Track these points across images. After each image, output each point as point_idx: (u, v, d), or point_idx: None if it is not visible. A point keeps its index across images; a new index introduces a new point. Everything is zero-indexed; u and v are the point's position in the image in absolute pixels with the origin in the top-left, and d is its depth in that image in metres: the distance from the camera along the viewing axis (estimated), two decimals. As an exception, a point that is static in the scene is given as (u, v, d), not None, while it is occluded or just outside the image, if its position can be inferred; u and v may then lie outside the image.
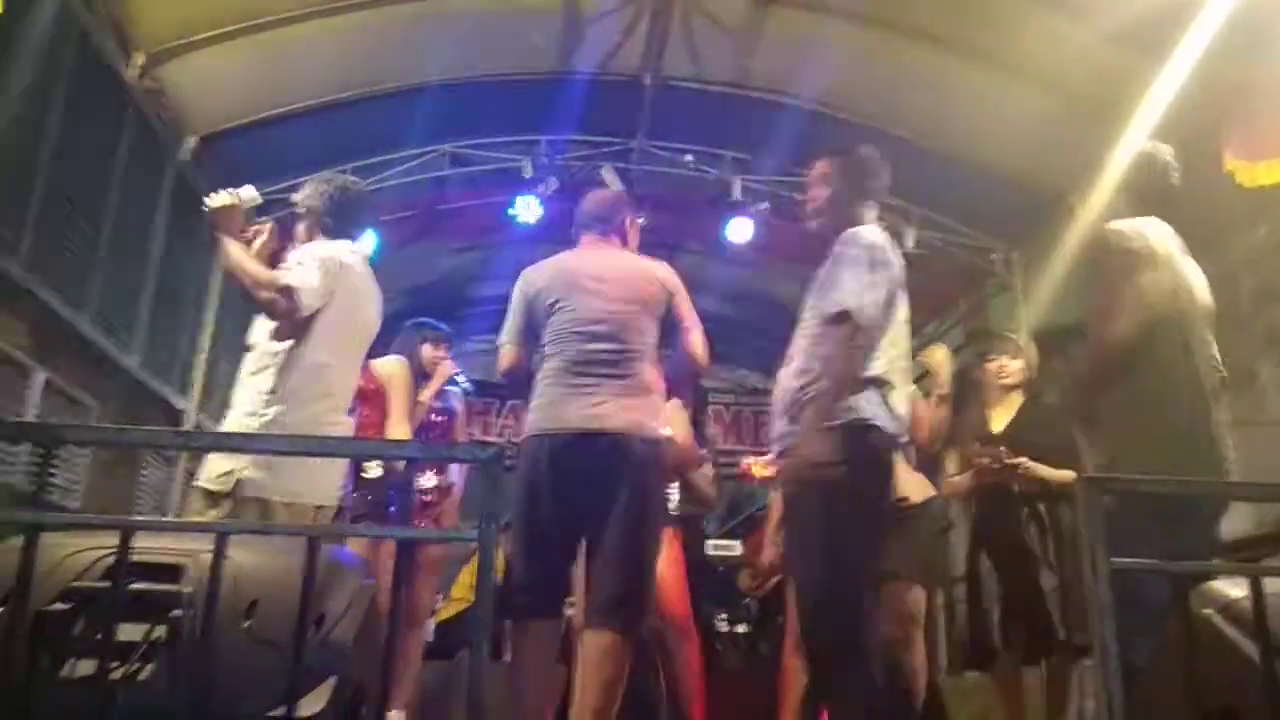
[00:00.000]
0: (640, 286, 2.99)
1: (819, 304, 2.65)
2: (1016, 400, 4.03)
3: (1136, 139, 5.33)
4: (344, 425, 2.89)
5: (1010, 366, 4.04)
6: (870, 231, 2.69)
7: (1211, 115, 5.12)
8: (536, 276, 3.03)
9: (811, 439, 2.52)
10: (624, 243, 3.20)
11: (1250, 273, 5.34)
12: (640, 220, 3.33)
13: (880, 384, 2.58)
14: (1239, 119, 4.98)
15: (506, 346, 2.99)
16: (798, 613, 2.67)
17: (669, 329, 3.01)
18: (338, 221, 3.09)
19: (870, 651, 2.49)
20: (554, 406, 2.81)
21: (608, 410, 2.76)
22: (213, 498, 2.68)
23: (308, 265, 2.85)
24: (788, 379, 2.69)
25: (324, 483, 2.78)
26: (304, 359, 2.80)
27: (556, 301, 2.93)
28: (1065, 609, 3.62)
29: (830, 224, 2.79)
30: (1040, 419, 3.97)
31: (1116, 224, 2.88)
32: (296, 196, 3.24)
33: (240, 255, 2.93)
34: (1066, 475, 3.71)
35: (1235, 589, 1.78)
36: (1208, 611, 1.82)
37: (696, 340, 3.02)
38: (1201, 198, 5.29)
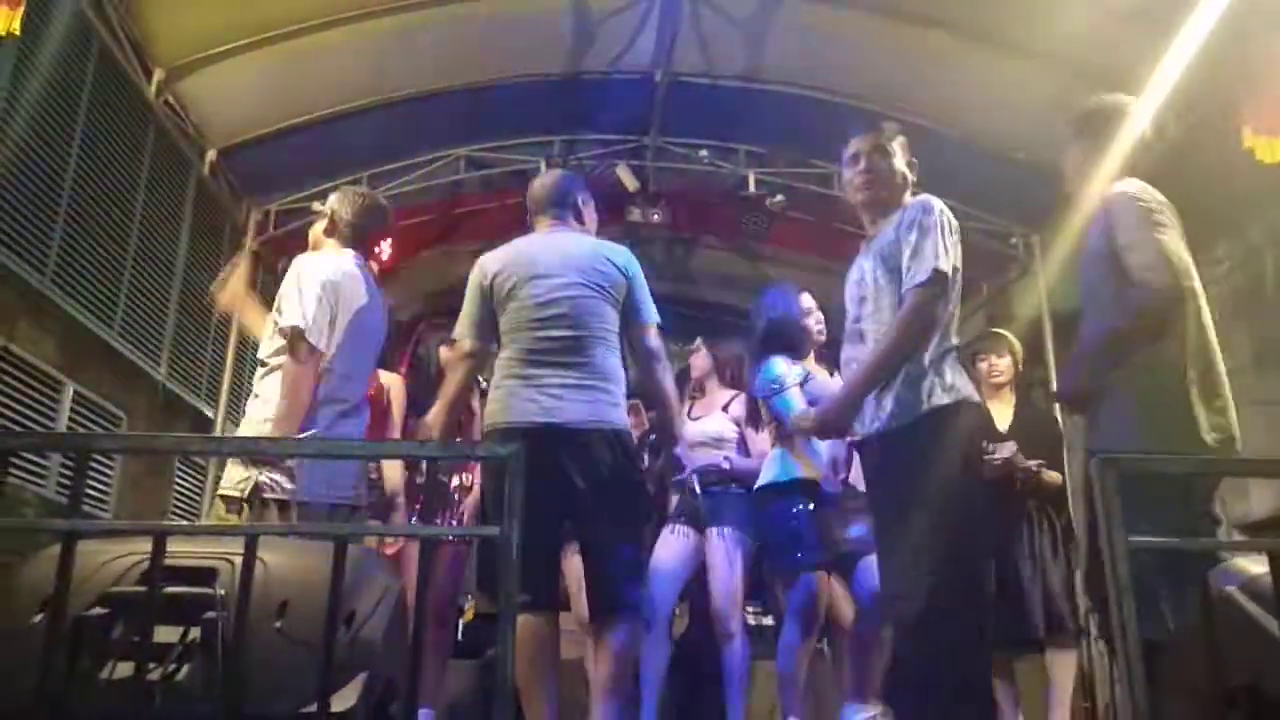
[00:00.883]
0: (598, 270, 2.85)
1: (897, 270, 2.60)
2: (1008, 395, 4.15)
3: (1150, 116, 5.30)
4: (351, 427, 2.93)
5: (999, 365, 4.17)
6: (938, 200, 2.68)
7: (1228, 91, 5.08)
8: (491, 263, 2.91)
9: (850, 412, 2.56)
10: (580, 223, 3.07)
11: (1273, 250, 5.30)
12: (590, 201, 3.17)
13: (959, 352, 2.64)
14: (1256, 94, 4.93)
15: (463, 340, 2.89)
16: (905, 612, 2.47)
17: (627, 317, 2.89)
18: (358, 231, 3.15)
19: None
20: (509, 398, 2.72)
21: (562, 403, 2.68)
22: (234, 503, 2.76)
23: (303, 296, 2.87)
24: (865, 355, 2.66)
25: (339, 481, 2.85)
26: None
27: (512, 288, 2.82)
28: (1049, 602, 3.76)
29: (885, 196, 2.77)
30: (1034, 418, 4.17)
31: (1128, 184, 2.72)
32: (318, 205, 3.31)
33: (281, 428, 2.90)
34: (1056, 477, 3.90)
35: (1256, 565, 1.78)
36: (1229, 589, 1.83)
37: (650, 333, 2.91)
38: (1221, 175, 5.28)
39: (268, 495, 2.74)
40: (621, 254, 2.95)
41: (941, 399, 2.49)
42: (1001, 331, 4.38)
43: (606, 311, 2.82)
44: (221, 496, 2.86)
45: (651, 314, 2.92)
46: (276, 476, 2.75)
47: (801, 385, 3.70)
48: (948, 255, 2.52)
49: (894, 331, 2.53)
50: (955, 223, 2.64)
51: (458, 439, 4.05)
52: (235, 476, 2.79)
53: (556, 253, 2.89)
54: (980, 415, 2.63)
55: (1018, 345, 4.28)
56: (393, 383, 3.95)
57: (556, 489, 2.61)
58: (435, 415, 2.95)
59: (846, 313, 2.86)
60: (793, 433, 3.33)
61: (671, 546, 3.92)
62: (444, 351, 4.15)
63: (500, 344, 2.89)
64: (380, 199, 3.40)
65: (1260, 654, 1.68)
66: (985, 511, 2.60)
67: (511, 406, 2.71)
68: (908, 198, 2.77)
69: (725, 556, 3.91)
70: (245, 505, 2.74)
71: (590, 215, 3.13)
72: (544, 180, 3.20)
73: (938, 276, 2.50)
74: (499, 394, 2.76)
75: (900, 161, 2.82)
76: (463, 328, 2.90)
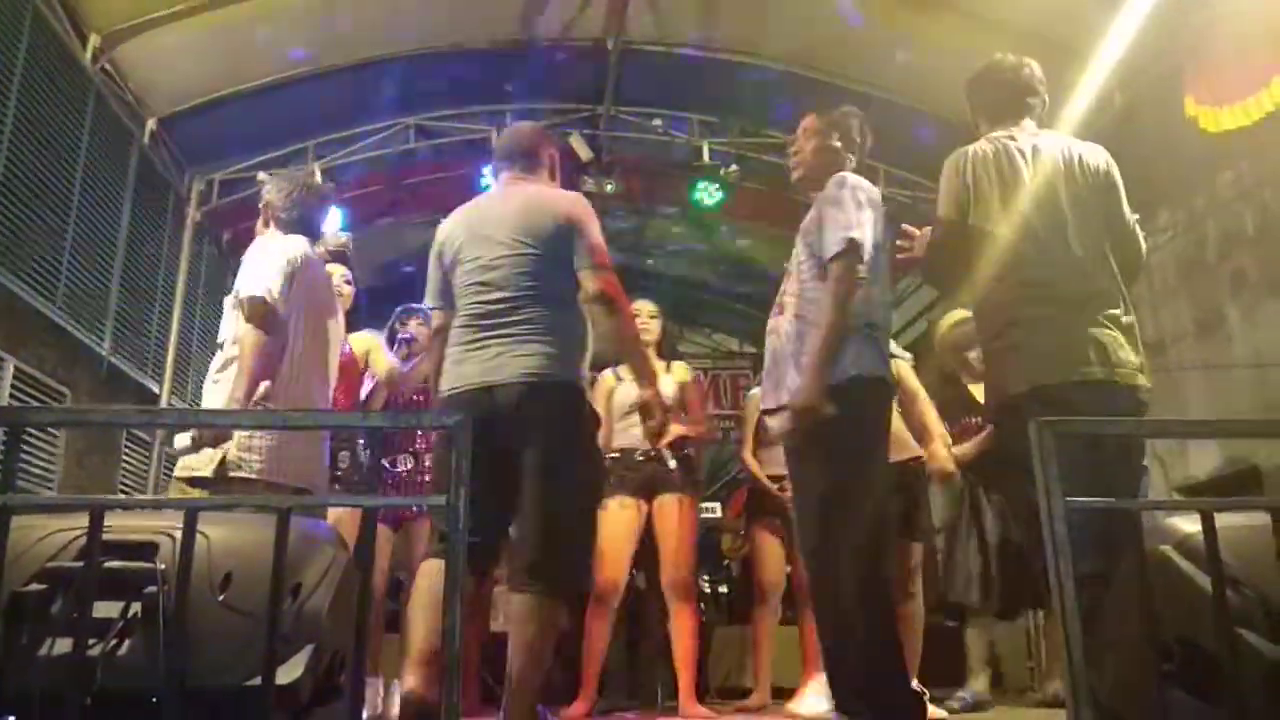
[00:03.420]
0: (537, 224, 2.71)
1: (815, 245, 2.68)
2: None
3: (1098, 85, 5.37)
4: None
5: None
6: (856, 176, 2.76)
7: (1173, 61, 5.15)
8: (444, 227, 2.86)
9: (821, 392, 2.52)
10: (538, 176, 2.92)
11: (1215, 219, 5.41)
12: (555, 153, 3.03)
13: (875, 329, 2.66)
14: (1200, 63, 5.01)
15: (433, 311, 2.84)
16: (815, 576, 2.63)
17: (572, 265, 2.70)
18: (297, 217, 3.10)
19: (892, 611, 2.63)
20: (456, 365, 2.67)
21: (501, 362, 2.59)
22: (200, 483, 2.70)
23: (263, 268, 2.84)
24: (788, 326, 2.71)
25: (304, 467, 2.81)
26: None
27: (459, 252, 2.76)
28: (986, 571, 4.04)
29: (812, 176, 2.87)
30: None
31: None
32: (263, 175, 3.25)
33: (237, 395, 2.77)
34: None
35: (1189, 524, 1.83)
36: (1164, 547, 1.87)
37: (587, 279, 2.69)
38: (1164, 145, 5.37)
39: (233, 474, 2.68)
40: (563, 202, 2.80)
41: (847, 372, 2.56)
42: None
43: (545, 270, 2.68)
44: (182, 479, 2.78)
45: (592, 258, 2.70)
46: (246, 455, 2.70)
47: None
48: (860, 227, 2.60)
49: (828, 308, 2.58)
50: (873, 198, 2.71)
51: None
52: (202, 456, 2.73)
53: (499, 211, 2.79)
54: (884, 391, 2.69)
55: None
56: (372, 345, 3.86)
57: (497, 451, 2.49)
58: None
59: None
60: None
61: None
62: (397, 327, 4.12)
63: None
64: (315, 178, 3.30)
65: (1193, 609, 1.73)
66: (886, 484, 2.68)
67: (454, 373, 2.66)
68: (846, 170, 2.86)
69: (683, 522, 3.96)
70: (213, 484, 2.68)
71: (556, 169, 3.00)
72: (513, 131, 3.10)
73: (851, 244, 2.58)
74: (448, 362, 2.71)
75: (819, 143, 2.89)
76: (429, 298, 2.85)
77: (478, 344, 2.64)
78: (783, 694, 4.42)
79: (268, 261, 2.86)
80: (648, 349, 3.92)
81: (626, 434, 3.99)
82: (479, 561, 2.58)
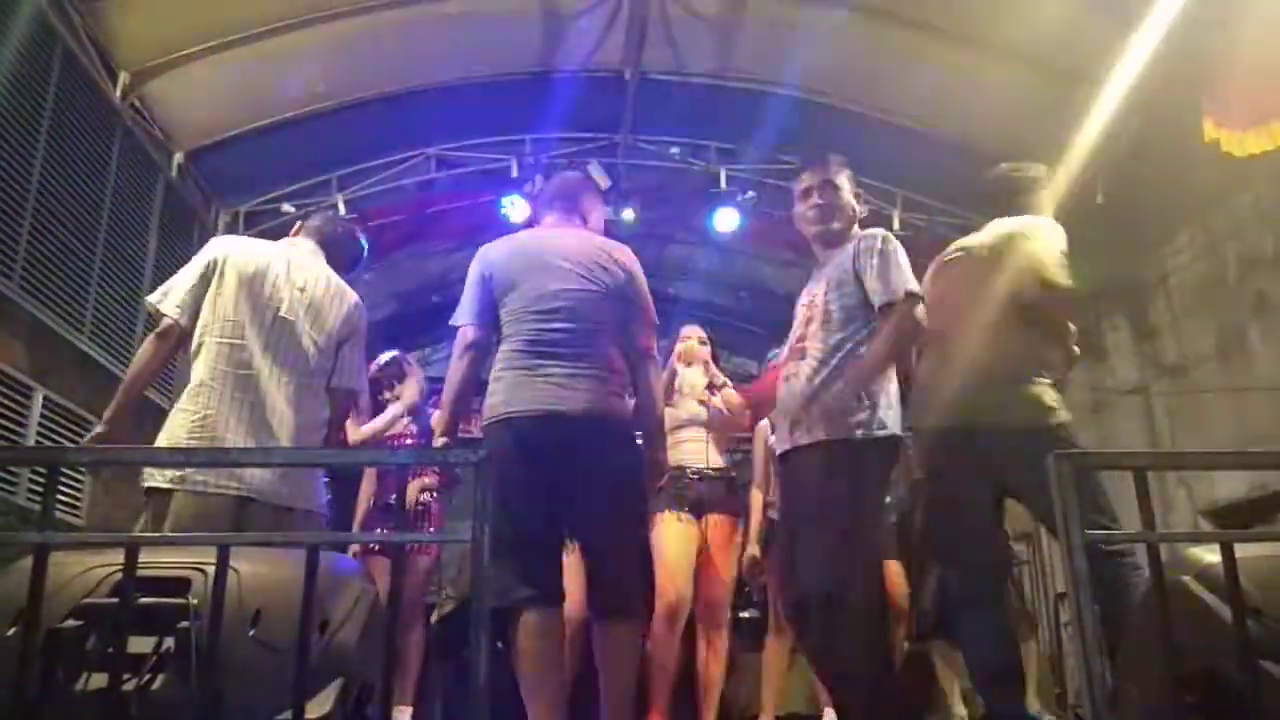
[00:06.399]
0: (599, 266, 2.87)
1: (853, 295, 2.78)
2: None
3: (1113, 109, 5.38)
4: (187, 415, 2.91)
5: None
6: (888, 233, 2.88)
7: (1190, 83, 5.16)
8: (494, 254, 2.91)
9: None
10: (584, 223, 3.10)
11: (1235, 240, 5.40)
12: (607, 210, 3.33)
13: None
14: (1219, 87, 5.01)
15: (466, 327, 2.86)
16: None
17: (625, 314, 2.89)
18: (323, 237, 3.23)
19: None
20: (512, 390, 2.70)
21: (564, 393, 2.67)
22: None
23: (179, 273, 2.91)
24: (812, 373, 2.79)
25: (295, 490, 2.81)
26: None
27: (513, 280, 2.83)
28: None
29: (838, 228, 2.95)
30: None
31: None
32: (287, 206, 3.38)
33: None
34: None
35: (1210, 554, 1.83)
36: (1184, 578, 1.88)
37: (645, 334, 2.93)
38: (1183, 166, 5.37)
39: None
40: (622, 250, 2.98)
41: (881, 430, 2.70)
42: None
43: (606, 306, 2.83)
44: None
45: (649, 315, 2.95)
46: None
47: None
48: (911, 280, 2.74)
49: (882, 344, 2.69)
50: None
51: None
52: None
53: (558, 247, 2.90)
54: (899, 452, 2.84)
55: None
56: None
57: (559, 478, 2.64)
58: (439, 411, 2.95)
59: (792, 332, 3.01)
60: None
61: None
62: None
63: (500, 335, 2.87)
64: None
65: (1214, 640, 1.73)
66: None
67: (514, 396, 2.70)
68: (857, 229, 2.95)
69: (727, 544, 3.96)
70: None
71: (597, 221, 3.16)
72: (559, 178, 3.32)
73: (911, 296, 2.69)
74: (500, 385, 2.74)
75: (849, 194, 2.98)
76: (465, 316, 2.87)
77: (537, 371, 2.70)
78: None
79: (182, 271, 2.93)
80: (707, 367, 4.21)
81: (678, 449, 3.97)
82: (554, 593, 2.68)
